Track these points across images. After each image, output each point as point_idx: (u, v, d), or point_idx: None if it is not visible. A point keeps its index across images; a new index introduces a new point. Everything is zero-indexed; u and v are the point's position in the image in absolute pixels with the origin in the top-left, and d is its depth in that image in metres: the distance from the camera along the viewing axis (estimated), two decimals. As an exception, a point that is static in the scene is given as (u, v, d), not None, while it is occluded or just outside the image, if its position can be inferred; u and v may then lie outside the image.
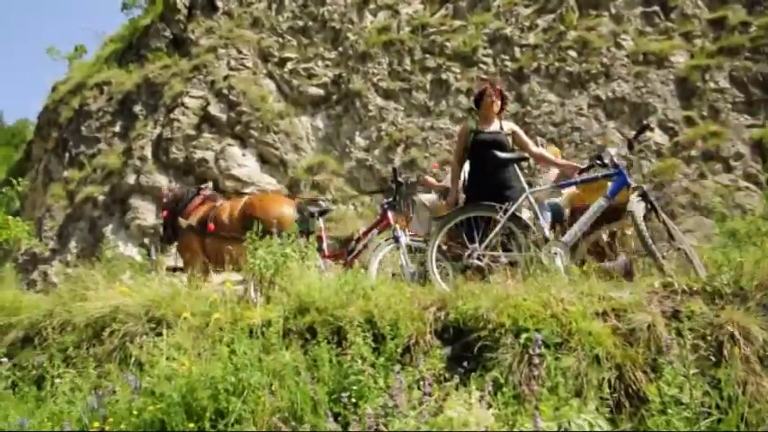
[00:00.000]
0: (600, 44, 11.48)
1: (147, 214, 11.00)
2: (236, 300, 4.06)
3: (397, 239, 4.87)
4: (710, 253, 4.12)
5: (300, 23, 13.18)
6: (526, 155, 4.58)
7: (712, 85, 10.64)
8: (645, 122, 4.20)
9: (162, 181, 11.21)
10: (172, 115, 11.60)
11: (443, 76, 12.09)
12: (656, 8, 11.79)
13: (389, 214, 5.15)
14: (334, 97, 12.50)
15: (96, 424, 2.94)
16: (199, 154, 11.28)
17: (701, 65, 10.80)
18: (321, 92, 12.57)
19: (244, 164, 11.54)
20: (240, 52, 12.50)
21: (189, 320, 3.73)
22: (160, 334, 3.59)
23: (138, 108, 12.46)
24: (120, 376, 3.34)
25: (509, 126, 4.79)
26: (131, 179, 11.37)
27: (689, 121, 10.54)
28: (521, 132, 4.79)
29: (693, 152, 10.16)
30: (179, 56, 12.96)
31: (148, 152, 11.62)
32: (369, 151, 12.01)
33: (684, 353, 2.42)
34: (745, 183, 9.72)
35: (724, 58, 10.72)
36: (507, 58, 12.06)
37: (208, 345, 3.39)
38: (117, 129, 12.57)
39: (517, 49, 12.06)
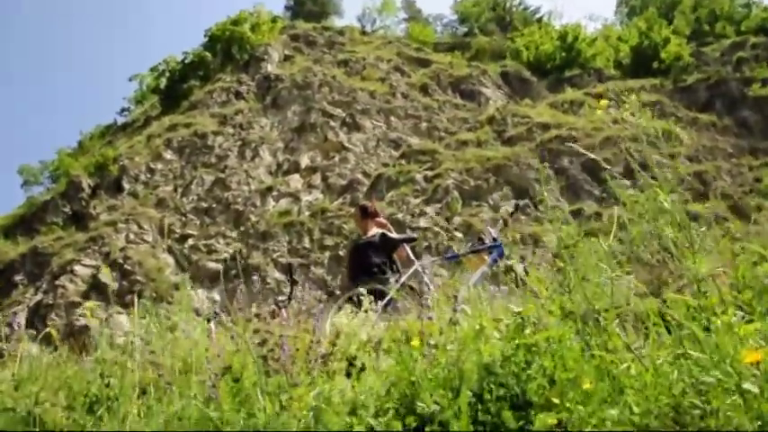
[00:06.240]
0: (482, 227, 12.82)
1: None
2: None
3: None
4: None
5: (204, 205, 13.74)
6: (415, 235, 5.00)
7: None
8: (518, 203, 4.80)
9: (31, 349, 10.09)
10: (57, 282, 10.99)
11: (341, 254, 12.68)
12: (528, 201, 13.65)
13: (283, 312, 5.10)
14: (233, 272, 12.56)
15: None
16: (82, 321, 10.49)
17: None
18: (220, 266, 12.62)
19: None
20: (141, 227, 12.60)
21: None
22: None
23: (19, 277, 11.70)
24: None
25: (379, 231, 5.61)
26: (-6, 345, 10.15)
27: (566, 290, 11.56)
28: (386, 231, 5.61)
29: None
30: (75, 229, 12.77)
31: (22, 319, 10.63)
32: (266, 326, 11.77)
33: None
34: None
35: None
36: (401, 239, 13.03)
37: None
38: (-12, 298, 11.58)
39: (409, 231, 13.12)
